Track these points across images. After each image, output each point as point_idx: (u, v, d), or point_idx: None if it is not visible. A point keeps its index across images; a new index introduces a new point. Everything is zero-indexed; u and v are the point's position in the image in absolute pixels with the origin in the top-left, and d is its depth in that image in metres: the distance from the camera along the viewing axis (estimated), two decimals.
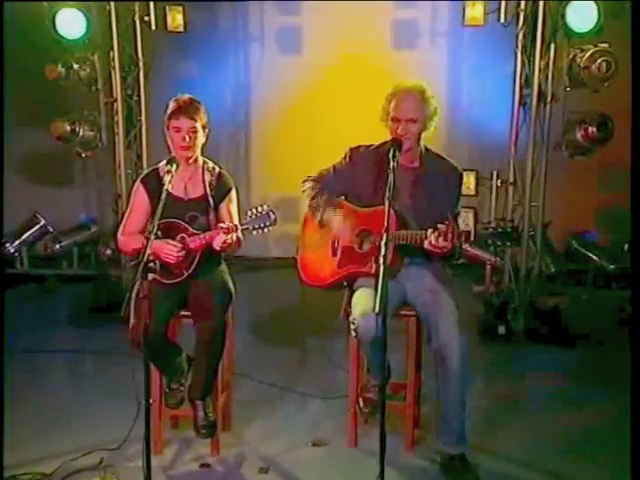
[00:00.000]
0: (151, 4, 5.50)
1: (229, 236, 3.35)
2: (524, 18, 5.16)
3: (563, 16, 4.78)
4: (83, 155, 5.77)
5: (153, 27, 5.53)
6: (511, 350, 5.04)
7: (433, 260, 3.42)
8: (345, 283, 3.59)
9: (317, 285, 3.63)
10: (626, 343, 3.71)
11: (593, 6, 4.69)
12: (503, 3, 5.18)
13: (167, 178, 3.27)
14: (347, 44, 6.41)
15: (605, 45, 4.84)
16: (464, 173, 3.68)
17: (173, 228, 3.49)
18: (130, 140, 5.74)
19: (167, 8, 5.51)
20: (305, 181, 3.70)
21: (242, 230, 3.39)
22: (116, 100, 5.58)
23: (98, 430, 3.78)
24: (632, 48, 3.49)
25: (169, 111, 3.51)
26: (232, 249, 3.51)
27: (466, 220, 5.05)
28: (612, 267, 5.85)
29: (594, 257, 5.99)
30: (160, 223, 3.16)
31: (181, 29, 5.57)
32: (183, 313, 3.56)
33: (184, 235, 3.48)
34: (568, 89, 5.04)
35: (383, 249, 2.89)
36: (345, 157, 3.60)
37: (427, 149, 3.54)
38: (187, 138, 3.47)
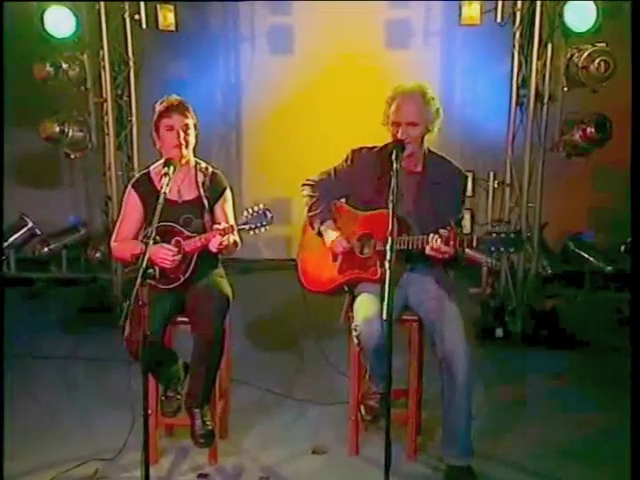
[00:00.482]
0: (142, 2, 5.42)
1: (225, 237, 3.30)
2: (521, 17, 5.13)
3: (561, 16, 4.75)
4: (72, 156, 5.68)
5: (144, 26, 5.45)
6: (509, 353, 4.99)
7: (436, 266, 3.36)
8: (346, 288, 3.52)
9: (318, 291, 3.56)
10: (624, 345, 3.67)
11: (592, 6, 4.66)
12: (500, 2, 5.15)
13: (165, 181, 3.19)
14: (339, 44, 6.36)
15: (603, 45, 4.81)
16: None
17: (168, 232, 3.41)
18: (120, 141, 5.65)
19: (158, 7, 5.44)
20: (304, 185, 3.62)
21: (239, 230, 3.34)
22: (106, 100, 5.48)
23: (92, 439, 3.69)
24: (632, 48, 3.45)
25: (159, 110, 3.45)
26: (229, 251, 3.46)
27: (463, 222, 5.00)
28: (609, 268, 5.82)
29: (591, 258, 5.96)
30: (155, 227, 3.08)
31: (172, 28, 5.51)
32: (180, 319, 3.48)
33: (179, 239, 3.41)
34: (565, 89, 5.00)
35: (389, 254, 2.82)
36: (347, 159, 3.52)
37: (430, 151, 3.46)
38: (181, 135, 3.41)
